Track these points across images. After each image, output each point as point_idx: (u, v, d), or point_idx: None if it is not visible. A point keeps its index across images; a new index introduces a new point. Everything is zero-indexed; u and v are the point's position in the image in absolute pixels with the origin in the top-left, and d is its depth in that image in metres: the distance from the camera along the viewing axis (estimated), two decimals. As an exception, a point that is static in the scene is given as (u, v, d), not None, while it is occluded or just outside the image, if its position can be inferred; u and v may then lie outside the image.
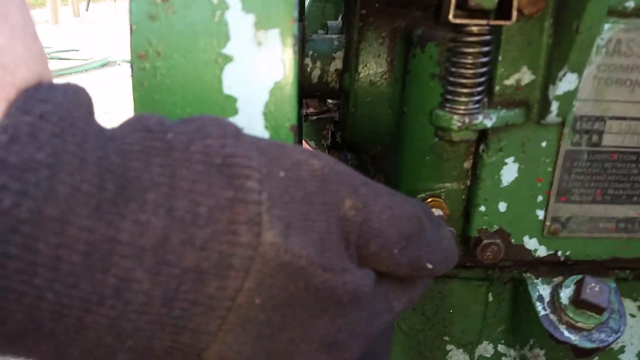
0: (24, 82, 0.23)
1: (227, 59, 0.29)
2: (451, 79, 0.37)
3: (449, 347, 0.54)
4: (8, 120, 0.21)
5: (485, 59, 0.36)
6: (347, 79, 0.50)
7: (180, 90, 0.29)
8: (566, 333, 0.46)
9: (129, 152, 0.24)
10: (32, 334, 0.22)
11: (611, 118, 0.42)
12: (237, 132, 0.26)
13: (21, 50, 0.24)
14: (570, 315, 0.46)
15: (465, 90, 0.37)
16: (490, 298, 0.52)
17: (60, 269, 0.21)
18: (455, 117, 0.37)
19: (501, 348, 0.54)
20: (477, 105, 0.38)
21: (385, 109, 0.50)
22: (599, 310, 0.45)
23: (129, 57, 0.30)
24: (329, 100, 0.94)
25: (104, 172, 0.22)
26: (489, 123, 0.39)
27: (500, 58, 0.39)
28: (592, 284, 0.45)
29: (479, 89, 0.37)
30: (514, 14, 0.33)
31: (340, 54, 0.54)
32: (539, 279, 0.48)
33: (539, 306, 0.47)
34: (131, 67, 0.29)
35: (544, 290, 0.48)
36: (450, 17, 0.33)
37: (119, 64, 5.34)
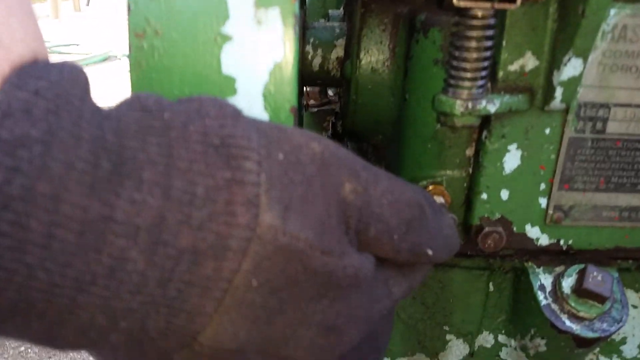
0: (19, 59, 0.23)
1: (226, 38, 0.29)
2: (454, 63, 0.36)
3: (448, 337, 0.54)
4: (1, 96, 0.21)
5: (489, 43, 0.36)
6: (348, 66, 0.50)
7: (178, 70, 0.29)
8: (568, 322, 0.45)
9: (125, 131, 0.23)
10: (23, 314, 0.22)
11: (616, 105, 0.41)
12: (236, 113, 0.26)
13: (17, 27, 0.23)
14: (572, 304, 0.45)
15: (469, 75, 0.36)
16: (491, 287, 0.52)
17: (53, 248, 0.21)
18: (458, 102, 0.37)
19: (502, 338, 0.54)
20: (480, 90, 0.37)
21: (387, 96, 0.49)
22: (601, 299, 0.44)
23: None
24: (330, 93, 0.94)
25: (99, 150, 0.22)
26: (492, 108, 0.38)
27: (504, 43, 0.39)
28: (595, 273, 0.45)
29: (483, 73, 0.37)
30: (519, -4, 0.32)
31: (341, 42, 0.53)
32: (541, 268, 0.48)
33: (540, 295, 0.46)
34: (129, 46, 0.29)
35: (546, 280, 0.47)
36: (455, 0, 0.33)
37: (119, 59, 5.33)
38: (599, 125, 0.42)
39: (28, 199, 0.20)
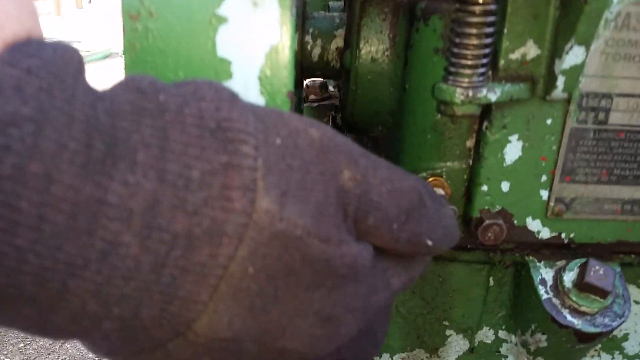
0: (13, 37, 0.22)
1: (222, 20, 0.28)
2: (455, 50, 0.36)
3: (448, 332, 0.53)
4: None
5: (490, 30, 0.35)
6: (348, 56, 0.49)
7: (172, 52, 0.28)
8: (569, 317, 0.44)
9: (119, 112, 0.23)
10: (13, 299, 0.21)
11: (619, 95, 0.40)
12: (232, 97, 0.25)
13: (11, 5, 0.23)
14: (574, 299, 0.45)
15: (470, 62, 0.36)
16: (491, 282, 0.51)
17: (43, 230, 0.20)
18: (459, 90, 0.36)
19: (502, 334, 0.53)
20: (481, 79, 0.37)
21: (386, 86, 0.48)
22: (603, 293, 0.44)
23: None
24: (330, 88, 0.93)
25: (92, 130, 0.21)
26: (493, 97, 0.38)
27: (505, 31, 0.38)
28: (597, 267, 0.44)
29: (484, 61, 0.36)
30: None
31: (341, 32, 0.52)
32: (542, 262, 0.47)
33: (541, 290, 0.46)
34: (122, 28, 0.28)
35: (547, 274, 0.47)
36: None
37: (121, 56, 5.33)
38: (601, 115, 0.41)
39: (18, 179, 0.19)
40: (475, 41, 0.35)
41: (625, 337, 0.53)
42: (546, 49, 0.39)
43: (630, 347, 0.54)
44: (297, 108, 0.32)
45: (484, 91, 0.37)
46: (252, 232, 0.23)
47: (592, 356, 0.54)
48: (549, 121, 0.41)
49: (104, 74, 4.64)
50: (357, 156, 0.28)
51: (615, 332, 0.53)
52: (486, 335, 0.53)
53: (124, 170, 0.22)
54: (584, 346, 0.46)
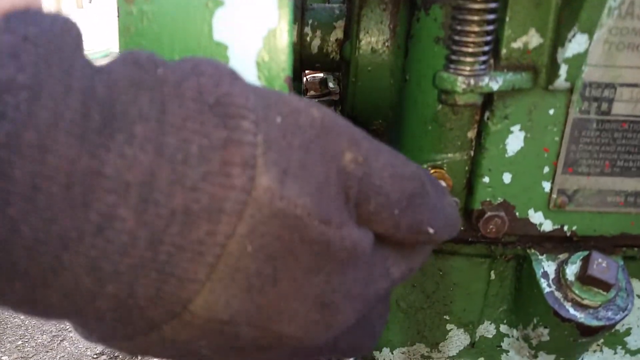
0: (11, 5, 0.22)
1: (218, 2, 0.28)
2: (456, 38, 0.35)
3: (449, 326, 0.53)
4: None
5: (491, 17, 0.34)
6: (347, 47, 0.49)
7: (168, 36, 0.28)
8: (572, 310, 0.44)
9: (116, 85, 0.22)
10: (5, 273, 0.20)
11: (622, 85, 0.40)
12: (232, 73, 0.25)
13: None
14: (576, 292, 0.44)
15: (471, 50, 0.35)
16: (493, 276, 0.51)
17: (37, 201, 0.20)
18: (460, 78, 0.36)
19: (503, 328, 0.52)
20: (483, 67, 0.36)
21: (387, 78, 0.48)
22: (606, 286, 0.43)
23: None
24: (330, 85, 0.93)
25: (89, 101, 0.21)
26: (495, 86, 0.37)
27: (507, 19, 0.38)
28: (600, 260, 0.43)
29: (485, 49, 0.35)
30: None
31: (341, 23, 0.52)
32: (544, 255, 0.46)
33: (543, 283, 0.45)
34: (117, 11, 0.27)
35: (549, 267, 0.46)
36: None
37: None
38: (604, 106, 0.40)
39: (13, 147, 0.19)
40: (476, 28, 0.34)
41: (628, 332, 0.53)
42: (548, 38, 0.38)
43: (633, 342, 0.53)
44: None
45: (486, 80, 0.36)
46: (251, 210, 0.23)
47: (595, 351, 0.53)
48: (551, 111, 0.40)
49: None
50: (359, 138, 0.28)
51: (617, 327, 0.52)
52: (487, 329, 0.53)
53: (121, 143, 0.21)
54: (586, 340, 0.45)
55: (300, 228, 0.24)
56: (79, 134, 0.20)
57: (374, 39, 0.47)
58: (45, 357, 1.78)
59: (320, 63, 0.53)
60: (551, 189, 0.43)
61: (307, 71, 0.87)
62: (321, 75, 0.93)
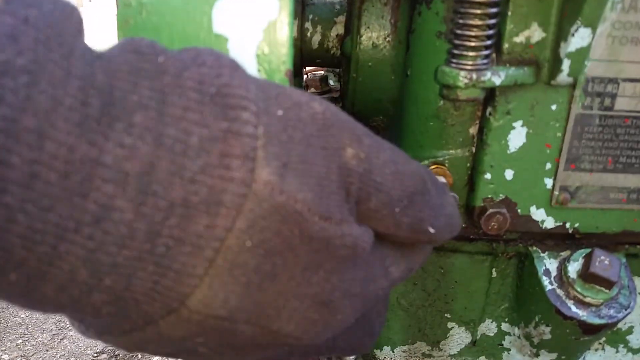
0: None
1: (218, -6, 0.27)
2: (458, 31, 0.35)
3: (450, 324, 0.52)
4: None
5: (494, 10, 0.34)
6: (348, 42, 0.48)
7: (167, 28, 0.27)
8: (574, 308, 0.44)
9: (116, 71, 0.22)
10: (1, 262, 0.20)
11: (625, 80, 0.40)
12: (233, 64, 0.24)
13: None
14: (578, 289, 0.44)
15: (473, 44, 0.35)
16: (494, 274, 0.50)
17: (35, 188, 0.19)
18: (462, 73, 0.35)
19: (505, 326, 0.52)
20: (485, 61, 0.36)
21: (388, 74, 0.47)
22: (608, 284, 0.43)
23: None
24: (331, 82, 0.92)
25: (89, 88, 0.20)
26: (497, 81, 0.37)
27: (509, 13, 0.37)
28: (602, 257, 0.43)
29: (487, 43, 0.35)
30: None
31: (341, 19, 0.52)
32: (546, 253, 0.46)
33: (545, 280, 0.45)
34: (116, 3, 0.27)
35: (551, 264, 0.46)
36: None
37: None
38: (607, 101, 0.40)
39: (10, 132, 0.18)
40: (478, 22, 0.34)
41: (630, 330, 0.52)
42: (551, 32, 0.38)
43: (634, 341, 0.53)
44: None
45: (488, 74, 0.36)
46: (250, 204, 0.22)
47: (596, 349, 0.53)
48: (553, 107, 0.40)
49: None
50: (361, 134, 0.27)
51: (619, 325, 0.52)
52: (489, 327, 0.52)
53: (121, 131, 0.21)
54: (588, 338, 0.45)
55: (300, 223, 0.24)
56: (78, 121, 0.20)
57: (375, 34, 0.46)
58: (45, 355, 1.78)
59: (320, 59, 0.53)
60: (553, 186, 0.42)
61: (307, 68, 0.86)
62: (322, 72, 0.93)
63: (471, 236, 0.46)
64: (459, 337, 0.53)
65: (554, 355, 0.50)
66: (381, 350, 0.53)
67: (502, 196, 0.43)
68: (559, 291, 0.45)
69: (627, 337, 0.53)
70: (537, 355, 0.50)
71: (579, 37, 0.36)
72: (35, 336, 1.85)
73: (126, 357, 1.76)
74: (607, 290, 0.43)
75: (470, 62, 0.35)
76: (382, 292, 0.31)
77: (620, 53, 0.39)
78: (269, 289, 0.24)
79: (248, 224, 0.22)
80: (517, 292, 0.50)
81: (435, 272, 0.51)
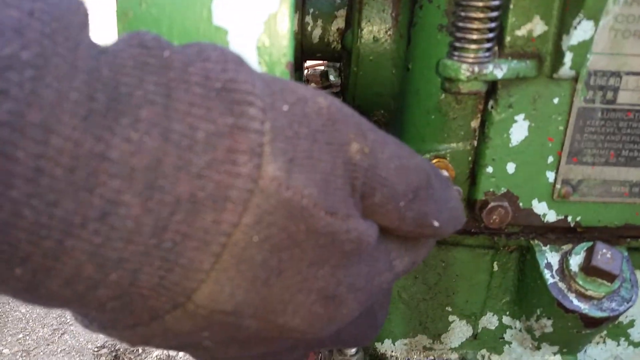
0: None
1: (218, -14, 0.27)
2: (460, 24, 0.35)
3: (451, 317, 0.52)
4: None
5: (496, 3, 0.34)
6: (349, 36, 0.48)
7: (166, 20, 0.27)
8: (575, 301, 0.44)
9: (122, 66, 0.22)
10: (6, 257, 0.20)
11: (628, 73, 0.39)
12: (239, 59, 0.24)
13: None
14: (580, 283, 0.44)
15: (475, 37, 0.35)
16: (496, 267, 0.50)
17: (40, 183, 0.19)
18: (464, 66, 0.35)
19: (506, 320, 0.52)
20: (487, 54, 0.36)
21: (389, 68, 0.47)
22: (610, 277, 0.43)
23: None
24: (331, 77, 0.92)
25: (95, 82, 0.20)
26: (499, 74, 0.37)
27: (511, 6, 0.37)
28: (604, 250, 0.43)
29: (489, 35, 0.35)
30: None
31: (342, 12, 0.51)
32: (547, 246, 0.46)
33: (547, 274, 0.45)
34: (115, -5, 0.27)
35: (553, 258, 0.46)
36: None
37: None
38: (609, 94, 0.40)
39: (16, 126, 0.18)
40: (480, 15, 0.34)
41: (632, 324, 0.52)
42: (553, 25, 0.37)
43: (636, 334, 0.53)
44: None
45: (490, 67, 0.36)
46: (257, 199, 0.22)
47: (598, 342, 0.53)
48: (555, 100, 0.40)
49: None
50: (366, 129, 0.27)
51: (621, 319, 0.52)
52: (490, 321, 0.52)
53: (127, 126, 0.21)
54: (590, 331, 0.45)
55: (307, 219, 0.24)
56: (84, 115, 0.20)
57: (376, 27, 0.46)
58: (46, 350, 1.78)
59: (321, 53, 0.53)
60: (555, 179, 0.42)
61: (307, 63, 0.86)
62: (322, 67, 0.93)
63: (473, 230, 0.46)
64: (460, 331, 0.53)
65: (555, 348, 0.50)
66: (382, 343, 0.53)
67: (503, 190, 0.43)
68: (560, 284, 0.45)
69: (629, 331, 0.53)
70: (538, 348, 0.50)
71: (582, 30, 0.36)
72: (36, 331, 1.85)
73: (127, 351, 1.77)
74: (608, 284, 0.43)
75: (472, 55, 0.35)
76: (386, 286, 0.31)
77: (623, 46, 0.38)
78: (275, 283, 0.24)
79: (255, 220, 0.22)
80: (518, 285, 0.50)
81: (437, 265, 0.51)
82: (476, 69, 0.35)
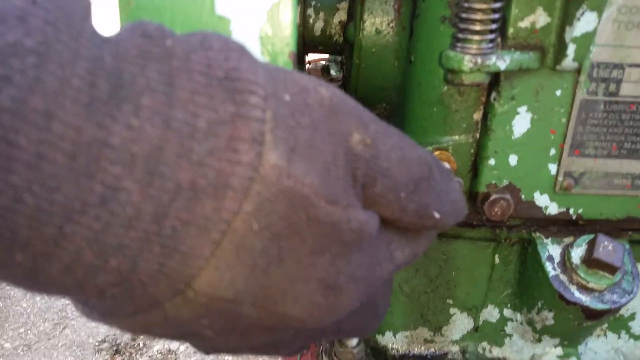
0: None
1: (221, -25, 0.27)
2: (463, 15, 0.35)
3: (452, 310, 0.52)
4: None
5: (499, -6, 0.34)
6: (351, 28, 0.48)
7: (169, 10, 0.27)
8: (577, 294, 0.44)
9: (124, 54, 0.22)
10: (7, 243, 0.20)
11: (631, 65, 0.39)
12: (241, 48, 0.24)
13: None
14: (582, 275, 0.44)
15: (478, 28, 0.35)
16: (497, 260, 0.50)
17: (42, 169, 0.19)
18: (467, 57, 0.35)
19: (507, 312, 0.52)
20: (490, 45, 0.36)
21: (391, 60, 0.47)
22: (612, 269, 0.43)
23: None
24: (333, 72, 0.92)
25: (97, 70, 0.20)
26: (502, 65, 0.36)
27: (514, -3, 0.37)
28: (605, 243, 0.43)
29: (492, 27, 0.35)
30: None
31: (344, 5, 0.51)
32: (549, 239, 0.46)
33: (548, 266, 0.45)
34: (118, -15, 0.27)
35: (554, 250, 0.46)
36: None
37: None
38: (612, 87, 0.40)
39: (18, 112, 0.18)
40: (484, 5, 0.34)
41: (632, 317, 0.52)
42: (556, 17, 0.37)
43: (636, 327, 0.53)
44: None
45: (493, 59, 0.36)
46: (258, 187, 0.22)
47: (598, 335, 0.53)
48: (558, 92, 0.40)
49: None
50: (368, 120, 0.27)
51: (622, 311, 0.52)
52: (491, 313, 0.52)
53: (128, 113, 0.21)
54: (591, 323, 0.45)
55: (307, 208, 0.24)
56: (86, 102, 0.20)
57: (378, 19, 0.46)
58: (47, 344, 1.79)
59: (323, 45, 0.53)
60: (557, 172, 0.42)
61: (309, 58, 0.86)
62: (323, 62, 0.93)
63: (474, 222, 0.46)
64: (461, 323, 0.53)
65: (556, 340, 0.50)
66: (383, 335, 0.53)
67: (505, 182, 0.43)
68: (562, 277, 0.45)
69: (629, 324, 0.53)
70: (539, 340, 0.51)
71: (585, 22, 0.36)
72: (37, 325, 1.86)
73: (128, 346, 1.77)
74: (610, 276, 0.43)
75: (475, 46, 0.35)
76: (387, 276, 0.31)
77: (626, 38, 0.38)
78: (275, 272, 0.24)
79: (255, 207, 0.22)
80: (519, 278, 0.50)
81: (438, 258, 0.51)
82: (479, 60, 0.35)
